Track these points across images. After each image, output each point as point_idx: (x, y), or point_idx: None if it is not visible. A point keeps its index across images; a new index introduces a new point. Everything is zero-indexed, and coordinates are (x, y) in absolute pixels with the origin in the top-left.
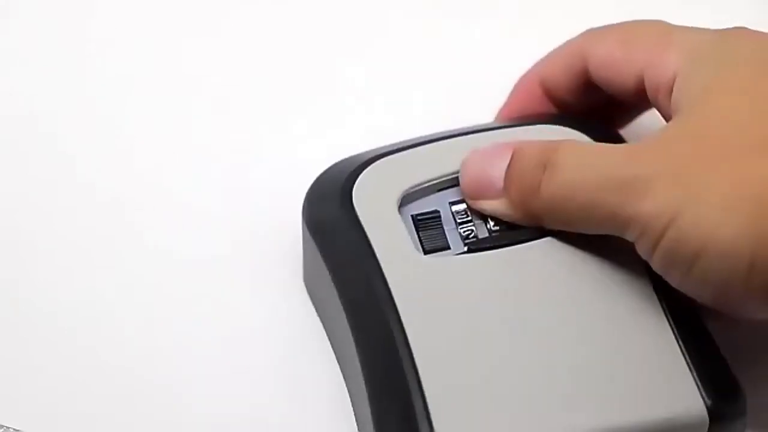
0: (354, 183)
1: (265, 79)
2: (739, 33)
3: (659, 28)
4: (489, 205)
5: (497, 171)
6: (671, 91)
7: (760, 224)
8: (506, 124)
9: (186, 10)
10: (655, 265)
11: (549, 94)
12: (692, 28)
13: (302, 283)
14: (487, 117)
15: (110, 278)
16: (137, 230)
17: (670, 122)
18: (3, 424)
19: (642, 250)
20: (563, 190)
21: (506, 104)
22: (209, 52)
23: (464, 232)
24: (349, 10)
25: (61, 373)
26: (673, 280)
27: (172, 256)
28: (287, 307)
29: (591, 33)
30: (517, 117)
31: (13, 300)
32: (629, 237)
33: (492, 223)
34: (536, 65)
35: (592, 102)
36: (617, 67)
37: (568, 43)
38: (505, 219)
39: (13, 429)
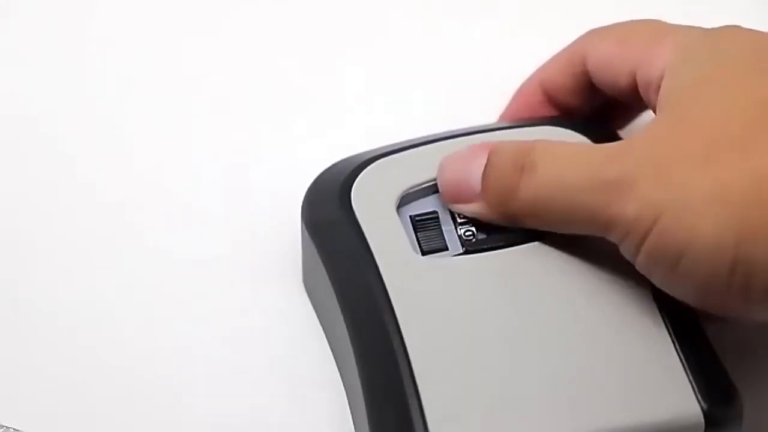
0: (353, 183)
1: (265, 79)
2: (731, 31)
3: (655, 27)
4: (468, 208)
5: (474, 173)
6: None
7: (742, 224)
8: (506, 125)
9: (186, 10)
10: (640, 266)
11: (550, 97)
12: (687, 26)
13: (301, 283)
14: (487, 117)
15: (110, 278)
16: (137, 230)
17: (653, 120)
18: (3, 424)
19: (626, 251)
20: (542, 192)
21: (507, 109)
22: (209, 52)
23: (462, 233)
24: (349, 10)
25: (61, 373)
26: (657, 280)
27: (172, 256)
28: (287, 307)
29: (591, 33)
30: (517, 119)
31: (13, 300)
32: (612, 238)
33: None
34: (538, 70)
35: (593, 103)
36: (613, 66)
37: (569, 45)
38: (485, 221)
39: (13, 429)
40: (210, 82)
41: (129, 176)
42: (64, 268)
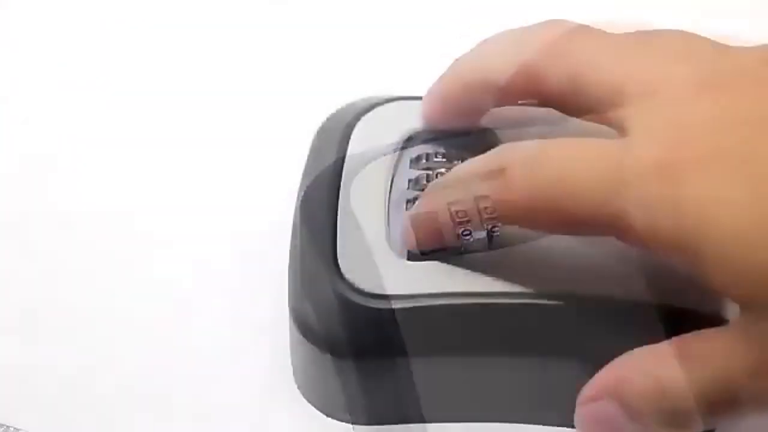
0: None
1: (265, 78)
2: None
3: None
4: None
5: None
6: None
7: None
8: None
9: (186, 11)
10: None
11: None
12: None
13: None
14: None
15: (109, 278)
16: (136, 230)
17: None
18: (3, 423)
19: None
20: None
21: None
22: (209, 51)
23: (461, 231)
24: (349, 10)
25: (62, 373)
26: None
27: (170, 255)
28: (286, 306)
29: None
30: None
31: (13, 300)
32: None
33: (490, 225)
34: None
35: None
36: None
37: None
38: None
39: (14, 429)
40: (210, 82)
41: (127, 176)
42: (62, 268)
